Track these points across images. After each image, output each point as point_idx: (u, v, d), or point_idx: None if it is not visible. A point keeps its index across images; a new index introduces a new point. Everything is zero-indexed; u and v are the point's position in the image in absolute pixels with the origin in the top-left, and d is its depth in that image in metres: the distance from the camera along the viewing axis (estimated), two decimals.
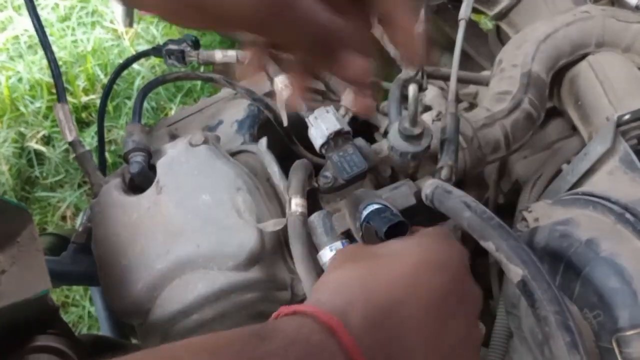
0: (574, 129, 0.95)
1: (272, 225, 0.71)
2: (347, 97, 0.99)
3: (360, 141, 0.79)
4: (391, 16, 0.47)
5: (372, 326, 0.43)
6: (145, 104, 1.82)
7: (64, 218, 1.81)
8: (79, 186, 1.85)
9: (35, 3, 0.91)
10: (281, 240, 0.75)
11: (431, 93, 1.05)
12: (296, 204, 0.70)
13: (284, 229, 0.72)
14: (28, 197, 1.84)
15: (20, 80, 2.02)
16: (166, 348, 0.38)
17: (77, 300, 1.66)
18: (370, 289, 0.46)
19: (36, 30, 0.87)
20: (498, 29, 1.20)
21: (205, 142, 0.78)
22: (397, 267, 0.49)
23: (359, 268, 0.50)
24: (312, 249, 0.69)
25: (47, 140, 1.93)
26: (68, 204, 1.81)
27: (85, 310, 1.64)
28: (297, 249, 0.68)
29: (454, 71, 0.80)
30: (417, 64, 0.75)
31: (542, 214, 0.71)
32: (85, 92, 2.02)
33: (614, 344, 0.57)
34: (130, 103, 1.96)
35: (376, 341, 0.42)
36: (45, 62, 2.00)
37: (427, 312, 0.46)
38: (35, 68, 2.04)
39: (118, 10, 1.98)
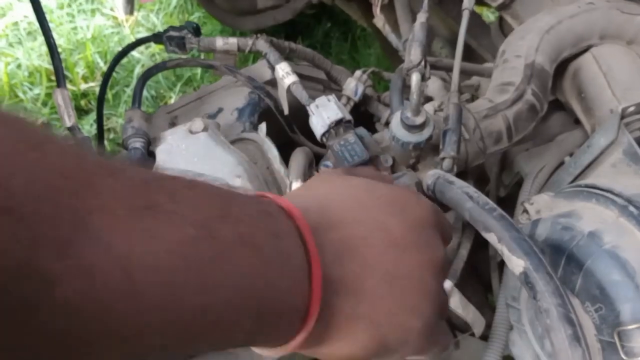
0: (577, 122, 0.94)
1: None
2: (349, 86, 0.98)
3: (361, 130, 0.79)
4: None
5: (327, 228, 0.44)
6: (145, 92, 1.81)
7: None
8: None
9: None
10: None
11: (433, 84, 1.05)
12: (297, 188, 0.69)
13: None
14: None
15: (19, 66, 2.01)
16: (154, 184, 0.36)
17: None
18: (334, 200, 0.48)
19: (36, 15, 0.86)
20: (501, 20, 1.19)
21: (205, 129, 0.77)
22: (365, 193, 0.50)
23: (329, 185, 0.52)
24: None
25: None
26: None
27: None
28: None
29: (457, 61, 0.79)
30: None
31: (544, 207, 0.71)
32: (85, 79, 2.01)
33: (616, 338, 0.56)
34: (129, 91, 1.95)
35: (329, 240, 0.44)
36: (44, 48, 2.00)
37: (382, 241, 0.47)
38: (35, 55, 2.02)
39: None
